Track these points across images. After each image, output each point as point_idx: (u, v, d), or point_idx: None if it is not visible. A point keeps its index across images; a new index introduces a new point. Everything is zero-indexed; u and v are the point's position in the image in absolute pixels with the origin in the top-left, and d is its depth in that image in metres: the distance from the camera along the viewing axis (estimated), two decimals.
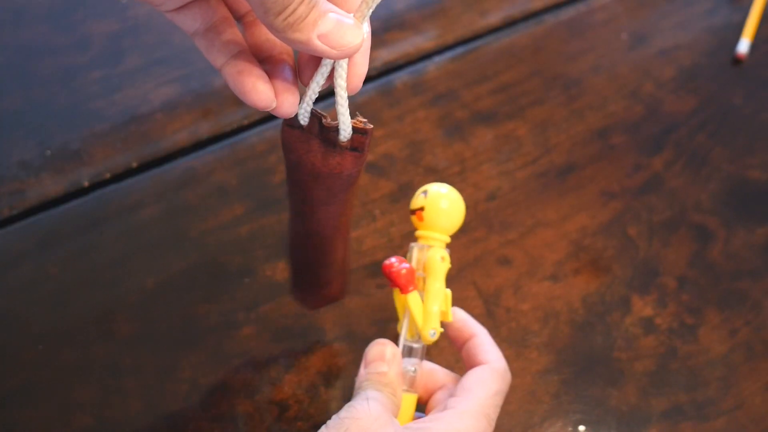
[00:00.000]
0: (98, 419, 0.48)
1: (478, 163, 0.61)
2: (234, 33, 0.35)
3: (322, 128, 0.36)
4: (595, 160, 0.62)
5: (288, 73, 0.35)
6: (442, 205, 0.44)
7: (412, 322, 0.44)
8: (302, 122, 0.36)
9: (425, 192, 0.45)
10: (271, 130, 0.62)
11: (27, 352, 0.51)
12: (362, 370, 0.42)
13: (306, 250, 0.43)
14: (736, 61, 0.68)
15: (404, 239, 0.56)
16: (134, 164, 0.60)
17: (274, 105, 0.34)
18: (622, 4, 0.72)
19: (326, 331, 0.52)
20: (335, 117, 0.35)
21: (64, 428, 0.48)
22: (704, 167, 0.61)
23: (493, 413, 0.41)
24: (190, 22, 0.35)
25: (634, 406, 0.50)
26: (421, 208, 0.44)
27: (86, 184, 0.59)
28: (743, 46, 0.68)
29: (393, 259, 0.44)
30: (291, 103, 0.35)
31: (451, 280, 0.55)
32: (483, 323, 0.52)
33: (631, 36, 0.70)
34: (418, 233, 0.45)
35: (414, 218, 0.45)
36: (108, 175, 0.59)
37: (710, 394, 0.51)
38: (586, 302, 0.54)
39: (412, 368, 0.43)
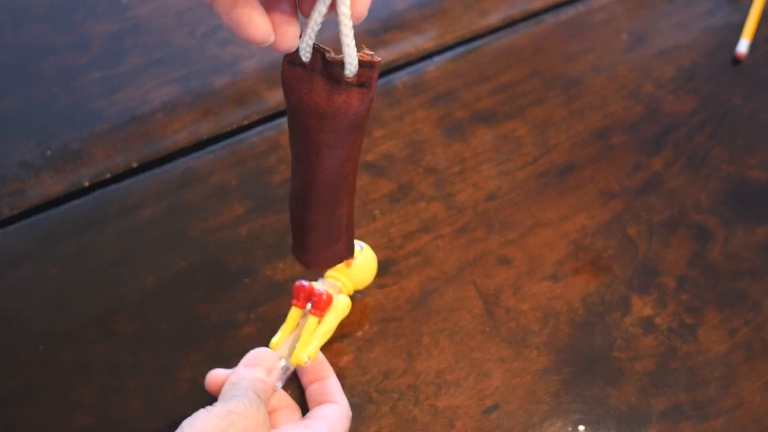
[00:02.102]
0: (98, 419, 0.48)
1: (478, 163, 0.61)
2: None
3: (325, 64, 0.33)
4: (594, 160, 0.62)
5: (286, 4, 0.32)
6: (368, 266, 0.51)
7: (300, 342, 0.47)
8: (304, 58, 0.33)
9: (361, 246, 0.51)
10: (270, 130, 0.62)
11: (27, 352, 0.51)
12: (242, 369, 0.44)
13: (309, 203, 0.39)
14: (736, 61, 0.68)
15: (404, 239, 0.56)
16: (134, 164, 0.60)
17: (272, 39, 0.32)
18: (622, 4, 0.72)
19: None
20: (339, 51, 0.33)
21: (64, 428, 0.48)
22: (704, 167, 0.62)
23: None
24: None
25: (633, 406, 0.50)
26: (354, 258, 0.50)
27: (87, 184, 0.59)
28: (743, 46, 0.68)
29: (305, 282, 0.48)
30: (291, 36, 0.32)
31: (451, 280, 0.55)
32: (483, 323, 0.53)
33: (631, 36, 0.70)
34: (334, 274, 0.50)
35: (345, 263, 0.50)
36: (108, 175, 0.59)
37: (710, 393, 0.51)
38: (586, 302, 0.54)
39: (280, 384, 0.46)
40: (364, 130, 0.37)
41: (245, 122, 0.63)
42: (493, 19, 0.71)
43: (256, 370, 0.44)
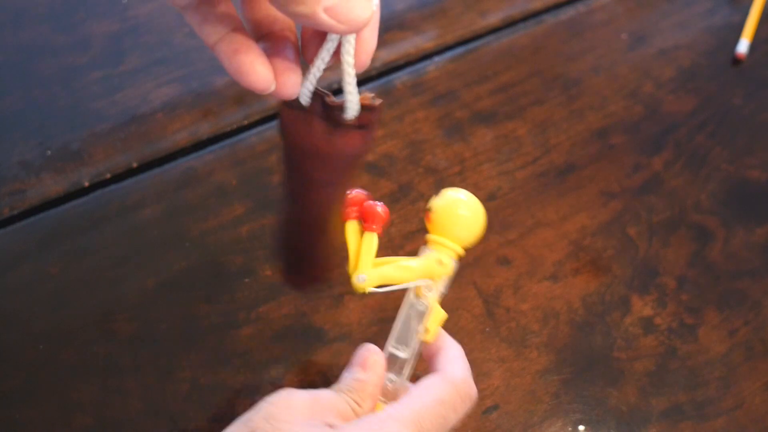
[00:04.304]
0: (98, 419, 0.48)
1: (478, 163, 0.61)
2: (229, 6, 0.33)
3: (325, 107, 0.33)
4: (594, 160, 0.62)
5: (290, 51, 0.33)
6: (451, 211, 0.41)
7: (402, 325, 0.41)
8: (303, 102, 0.34)
9: (439, 194, 0.42)
10: (271, 130, 0.62)
11: (27, 352, 0.51)
12: (344, 372, 0.40)
13: (300, 233, 0.40)
14: (736, 61, 0.68)
15: (404, 239, 0.56)
16: (134, 164, 0.60)
17: (273, 87, 0.32)
18: (621, 4, 0.72)
19: (326, 331, 0.52)
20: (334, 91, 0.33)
21: (64, 428, 0.48)
22: (704, 167, 0.62)
23: (429, 424, 0.36)
24: None
25: (633, 406, 0.50)
26: (429, 209, 0.41)
27: (87, 184, 0.59)
28: (743, 46, 0.68)
29: (360, 191, 0.40)
30: (293, 83, 0.32)
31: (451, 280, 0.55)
32: (483, 323, 0.53)
33: (631, 36, 0.70)
34: (426, 236, 0.42)
35: (425, 219, 0.42)
36: (108, 175, 0.59)
37: (710, 393, 0.51)
38: (586, 302, 0.54)
39: (391, 381, 0.41)
40: (360, 164, 0.36)
41: (245, 122, 0.63)
42: (493, 19, 0.71)
43: (353, 371, 0.39)
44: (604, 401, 0.50)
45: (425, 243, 0.42)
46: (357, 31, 0.30)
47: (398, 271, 0.40)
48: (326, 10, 0.28)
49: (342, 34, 0.31)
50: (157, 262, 0.55)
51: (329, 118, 0.34)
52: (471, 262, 0.56)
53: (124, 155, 0.60)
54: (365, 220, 0.40)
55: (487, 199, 0.59)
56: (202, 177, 0.59)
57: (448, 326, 0.52)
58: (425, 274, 0.41)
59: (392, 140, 0.62)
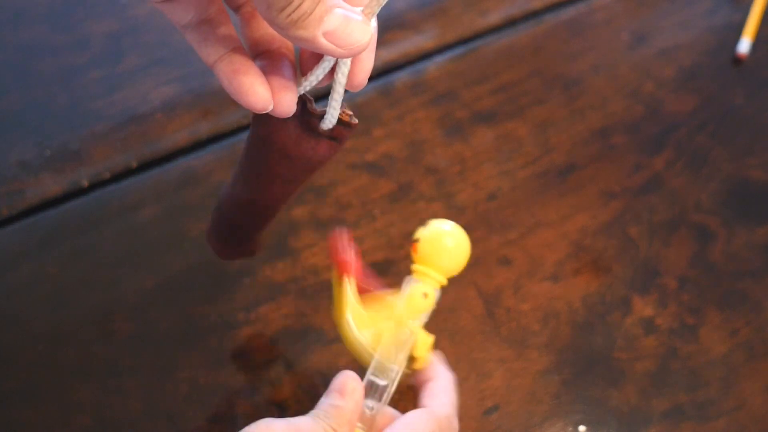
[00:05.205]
0: (98, 419, 0.48)
1: (478, 163, 0.61)
2: (229, 27, 0.33)
3: (304, 111, 0.34)
4: (595, 160, 0.62)
5: (287, 69, 0.33)
6: (437, 242, 0.42)
7: (384, 356, 0.41)
8: None
9: (425, 225, 0.43)
10: None
11: (27, 352, 0.51)
12: (323, 397, 0.39)
13: (244, 215, 0.42)
14: (737, 60, 0.68)
15: (404, 239, 0.56)
16: (134, 164, 0.60)
17: (271, 107, 0.32)
18: (622, 3, 0.72)
19: (325, 332, 0.52)
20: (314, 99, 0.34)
21: (64, 428, 0.48)
22: (705, 167, 0.61)
23: None
24: (182, 13, 0.32)
25: (634, 407, 0.50)
26: (417, 240, 0.42)
27: (86, 184, 0.58)
28: (744, 45, 0.68)
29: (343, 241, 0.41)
30: (290, 102, 0.33)
31: (451, 281, 0.55)
32: (483, 323, 0.53)
33: (632, 36, 0.70)
34: (412, 267, 0.43)
35: (411, 250, 0.43)
36: (108, 175, 0.59)
37: (711, 394, 0.51)
38: (587, 302, 0.54)
39: (369, 408, 0.41)
40: (319, 171, 0.38)
41: (245, 122, 0.63)
42: (494, 18, 0.70)
43: (331, 397, 0.39)
44: (605, 402, 0.50)
45: (410, 273, 0.42)
46: (355, 55, 0.30)
47: (382, 310, 0.41)
48: (326, 35, 0.29)
49: (341, 58, 0.32)
50: (157, 262, 0.55)
51: (305, 123, 0.35)
52: (471, 262, 0.55)
53: (124, 155, 0.60)
54: (338, 268, 0.41)
55: (487, 199, 0.59)
56: (202, 177, 0.59)
57: (448, 326, 0.53)
58: (410, 311, 0.42)
59: (392, 140, 0.62)
